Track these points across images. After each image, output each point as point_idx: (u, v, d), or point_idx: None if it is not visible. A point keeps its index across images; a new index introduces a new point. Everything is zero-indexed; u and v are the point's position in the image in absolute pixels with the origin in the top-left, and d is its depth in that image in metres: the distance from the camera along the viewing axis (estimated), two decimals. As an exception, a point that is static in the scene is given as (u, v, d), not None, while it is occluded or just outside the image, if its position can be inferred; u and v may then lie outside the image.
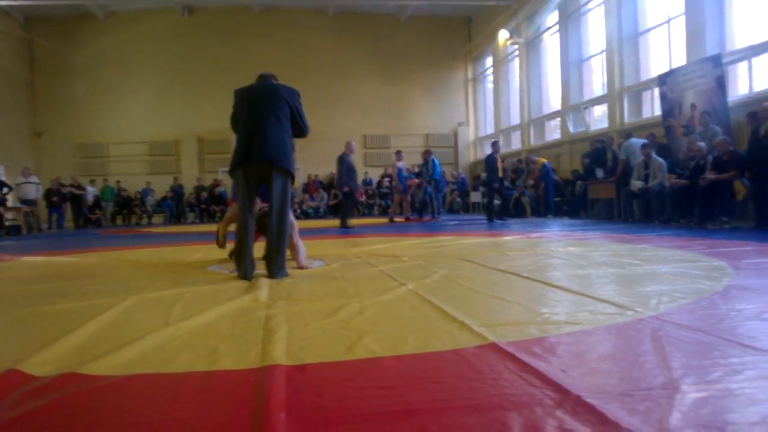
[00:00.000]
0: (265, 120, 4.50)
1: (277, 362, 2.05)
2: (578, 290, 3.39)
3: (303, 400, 1.70)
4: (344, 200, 12.43)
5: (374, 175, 22.13)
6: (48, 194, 17.19)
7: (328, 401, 1.69)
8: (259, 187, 4.64)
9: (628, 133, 11.96)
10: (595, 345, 2.27)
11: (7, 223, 14.70)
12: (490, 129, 23.02)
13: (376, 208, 21.58)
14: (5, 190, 15.66)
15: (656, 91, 12.46)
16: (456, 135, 23.80)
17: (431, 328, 2.56)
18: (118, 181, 20.84)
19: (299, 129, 4.72)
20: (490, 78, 22.81)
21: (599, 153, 12.86)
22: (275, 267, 4.43)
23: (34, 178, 17.14)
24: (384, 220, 15.37)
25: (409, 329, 2.55)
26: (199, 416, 1.61)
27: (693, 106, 10.77)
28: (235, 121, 4.73)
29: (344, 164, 11.95)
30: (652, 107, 13.32)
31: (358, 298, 3.34)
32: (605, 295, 3.19)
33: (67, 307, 3.38)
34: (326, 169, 21.72)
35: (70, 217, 18.60)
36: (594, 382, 1.79)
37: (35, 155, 21.94)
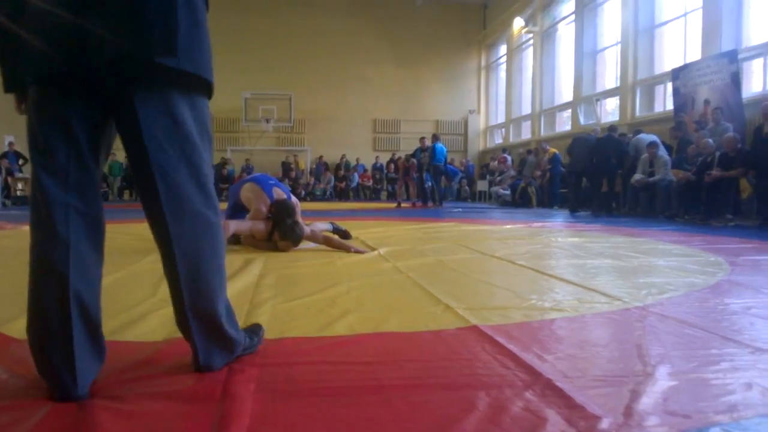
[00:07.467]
0: None
1: (256, 335, 2.05)
2: (570, 279, 3.38)
3: (275, 372, 1.71)
4: None
5: (383, 160, 21.98)
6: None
7: (300, 374, 1.70)
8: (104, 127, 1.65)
9: (637, 129, 11.88)
10: (576, 332, 2.27)
11: (16, 194, 14.74)
12: (501, 118, 22.88)
13: (383, 193, 21.55)
14: (21, 161, 15.75)
15: (669, 86, 12.33)
16: (466, 123, 23.66)
17: (416, 310, 2.56)
18: (126, 157, 20.74)
19: None
20: (503, 66, 22.63)
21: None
22: (204, 340, 1.69)
23: None
24: (392, 205, 15.38)
25: (394, 309, 2.55)
26: (170, 382, 1.62)
27: (706, 102, 10.64)
28: None
29: None
30: (665, 102, 13.19)
31: (348, 277, 3.34)
32: (596, 285, 3.18)
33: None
34: (334, 152, 21.61)
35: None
36: (568, 367, 1.79)
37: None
